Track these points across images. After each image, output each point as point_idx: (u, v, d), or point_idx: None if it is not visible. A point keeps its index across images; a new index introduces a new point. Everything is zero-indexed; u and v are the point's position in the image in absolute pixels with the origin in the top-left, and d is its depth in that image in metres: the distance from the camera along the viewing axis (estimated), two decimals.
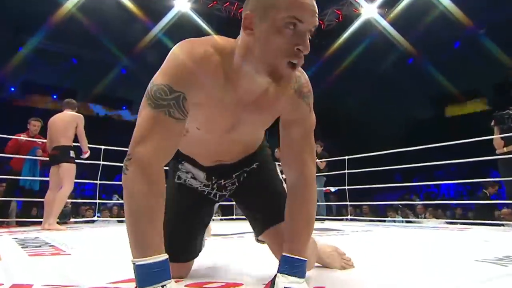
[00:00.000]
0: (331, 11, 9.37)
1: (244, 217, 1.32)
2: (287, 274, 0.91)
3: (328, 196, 6.97)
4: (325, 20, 9.66)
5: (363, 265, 1.40)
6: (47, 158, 4.11)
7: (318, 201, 7.40)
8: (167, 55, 0.95)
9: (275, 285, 0.91)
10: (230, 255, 1.93)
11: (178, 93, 0.83)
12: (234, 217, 6.09)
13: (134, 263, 0.78)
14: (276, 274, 0.94)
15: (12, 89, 15.22)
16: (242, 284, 1.09)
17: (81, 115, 4.05)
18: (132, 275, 0.79)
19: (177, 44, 0.91)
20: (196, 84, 0.86)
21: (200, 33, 8.61)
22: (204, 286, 1.09)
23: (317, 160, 6.60)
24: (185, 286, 1.08)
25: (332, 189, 6.82)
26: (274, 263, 1.02)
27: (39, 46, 12.52)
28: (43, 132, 4.85)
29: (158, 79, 0.85)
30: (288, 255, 0.94)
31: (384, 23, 8.96)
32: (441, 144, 4.60)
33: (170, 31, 8.76)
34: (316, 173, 5.19)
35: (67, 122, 3.94)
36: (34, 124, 4.78)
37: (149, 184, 0.80)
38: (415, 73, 13.69)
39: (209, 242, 2.47)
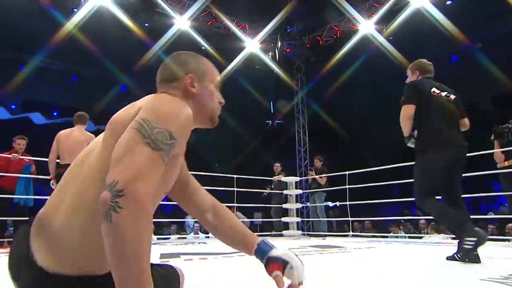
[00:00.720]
0: (328, 27, 9.49)
1: None
2: (272, 247, 1.10)
3: (328, 211, 6.89)
4: (323, 36, 9.78)
5: (365, 285, 1.36)
6: (53, 177, 4.06)
7: (318, 217, 7.27)
8: None
9: (274, 253, 1.06)
10: (232, 275, 1.89)
11: (173, 141, 0.84)
12: None
13: None
14: (267, 256, 1.06)
15: (13, 106, 15.34)
16: None
17: (94, 136, 4.01)
18: None
19: (162, 95, 0.99)
20: (185, 137, 0.93)
21: (200, 50, 8.74)
22: None
23: (317, 176, 6.55)
24: None
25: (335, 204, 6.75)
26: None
27: (40, 65, 12.67)
28: (28, 150, 4.85)
29: (160, 123, 0.84)
30: (257, 242, 1.13)
31: (381, 39, 9.05)
32: None
33: (170, 49, 8.85)
34: (317, 188, 5.18)
35: (81, 143, 3.88)
36: (19, 143, 4.73)
37: (149, 225, 0.75)
38: None
39: (210, 262, 2.43)
